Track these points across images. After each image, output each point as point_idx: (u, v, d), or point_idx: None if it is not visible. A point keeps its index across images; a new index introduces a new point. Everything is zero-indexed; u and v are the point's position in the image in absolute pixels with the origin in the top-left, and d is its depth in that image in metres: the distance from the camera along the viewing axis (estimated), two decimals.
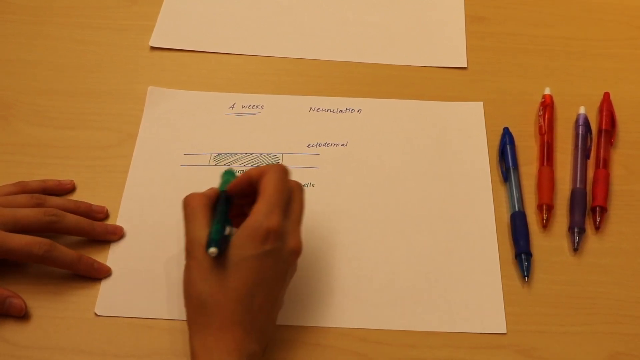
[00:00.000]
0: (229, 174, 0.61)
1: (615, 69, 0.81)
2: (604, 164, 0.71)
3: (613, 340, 0.61)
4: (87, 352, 0.59)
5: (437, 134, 0.74)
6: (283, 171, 0.58)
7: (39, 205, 0.63)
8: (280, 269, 0.55)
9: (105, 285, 0.62)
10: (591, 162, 0.72)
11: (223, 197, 0.58)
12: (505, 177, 0.70)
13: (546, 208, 0.68)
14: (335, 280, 0.63)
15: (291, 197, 0.58)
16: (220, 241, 0.53)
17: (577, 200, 0.68)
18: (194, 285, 0.54)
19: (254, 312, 0.54)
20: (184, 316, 0.60)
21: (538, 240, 0.67)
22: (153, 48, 0.80)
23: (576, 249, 0.66)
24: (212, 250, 0.53)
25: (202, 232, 0.55)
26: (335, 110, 0.75)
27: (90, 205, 0.66)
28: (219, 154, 0.71)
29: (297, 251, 0.56)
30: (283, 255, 0.55)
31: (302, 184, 0.59)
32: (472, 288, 0.63)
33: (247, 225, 0.54)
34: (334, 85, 0.78)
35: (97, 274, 0.62)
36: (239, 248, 0.54)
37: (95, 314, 0.61)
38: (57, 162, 0.70)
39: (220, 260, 0.53)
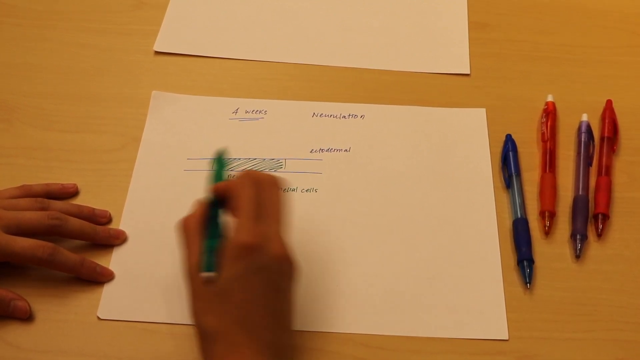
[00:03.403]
0: (219, 163, 0.60)
1: (618, 76, 0.81)
2: (606, 171, 0.71)
3: (615, 346, 0.61)
4: (90, 356, 0.59)
5: (440, 140, 0.74)
6: (247, 178, 0.56)
7: (42, 209, 0.63)
8: (271, 279, 0.53)
9: (107, 289, 0.62)
10: (593, 169, 0.72)
11: (213, 208, 0.56)
12: (508, 184, 0.70)
13: (548, 215, 0.68)
14: (337, 286, 0.63)
15: (263, 198, 0.55)
16: (214, 262, 0.53)
17: (580, 207, 0.69)
18: (197, 317, 0.53)
19: (258, 329, 0.52)
20: (186, 320, 0.61)
21: (540, 246, 0.67)
22: (157, 53, 0.80)
23: (578, 255, 0.66)
24: (207, 275, 0.52)
25: (197, 257, 0.54)
26: (338, 116, 0.75)
27: (93, 209, 0.66)
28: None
29: (281, 255, 0.54)
30: (268, 264, 0.53)
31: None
32: (474, 294, 0.63)
33: (227, 245, 0.53)
34: (337, 91, 0.78)
35: (99, 278, 0.62)
36: (225, 270, 0.53)
37: (98, 318, 0.61)
38: (61, 165, 0.70)
39: (212, 285, 0.52)
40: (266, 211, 0.55)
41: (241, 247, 0.52)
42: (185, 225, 0.56)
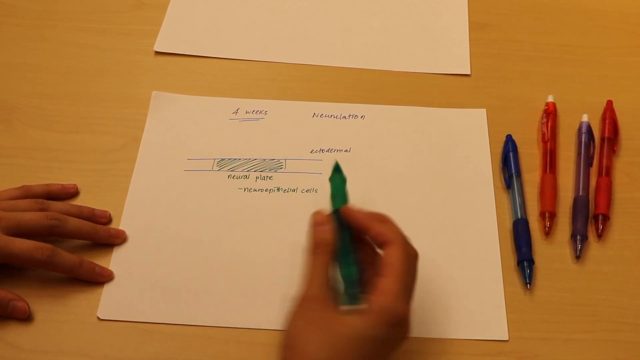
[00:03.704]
0: (339, 180, 0.58)
1: (618, 77, 0.81)
2: (606, 172, 0.71)
3: (615, 347, 0.61)
4: (89, 356, 0.59)
5: (440, 140, 0.74)
6: (403, 238, 0.54)
7: (42, 209, 0.63)
8: (391, 354, 0.52)
9: (107, 289, 0.62)
10: (594, 169, 0.72)
11: (343, 231, 0.55)
12: (508, 184, 0.70)
13: (549, 215, 0.68)
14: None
15: (410, 269, 0.54)
16: (357, 296, 0.52)
17: (580, 207, 0.68)
18: (301, 339, 0.50)
19: None
20: (185, 321, 0.61)
21: (540, 247, 0.67)
22: (157, 53, 0.80)
23: (578, 256, 0.66)
24: (350, 308, 0.51)
25: (326, 280, 0.53)
26: (338, 116, 0.75)
27: (93, 209, 0.66)
28: (222, 159, 0.71)
29: (407, 337, 0.53)
30: (398, 342, 0.53)
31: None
32: (474, 295, 0.63)
33: (376, 301, 0.51)
34: (338, 91, 0.78)
35: (98, 278, 0.62)
36: (363, 322, 0.50)
37: (98, 318, 0.61)
38: (61, 165, 0.70)
39: (337, 322, 0.50)
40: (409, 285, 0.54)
41: (394, 316, 0.51)
42: (323, 239, 0.55)
